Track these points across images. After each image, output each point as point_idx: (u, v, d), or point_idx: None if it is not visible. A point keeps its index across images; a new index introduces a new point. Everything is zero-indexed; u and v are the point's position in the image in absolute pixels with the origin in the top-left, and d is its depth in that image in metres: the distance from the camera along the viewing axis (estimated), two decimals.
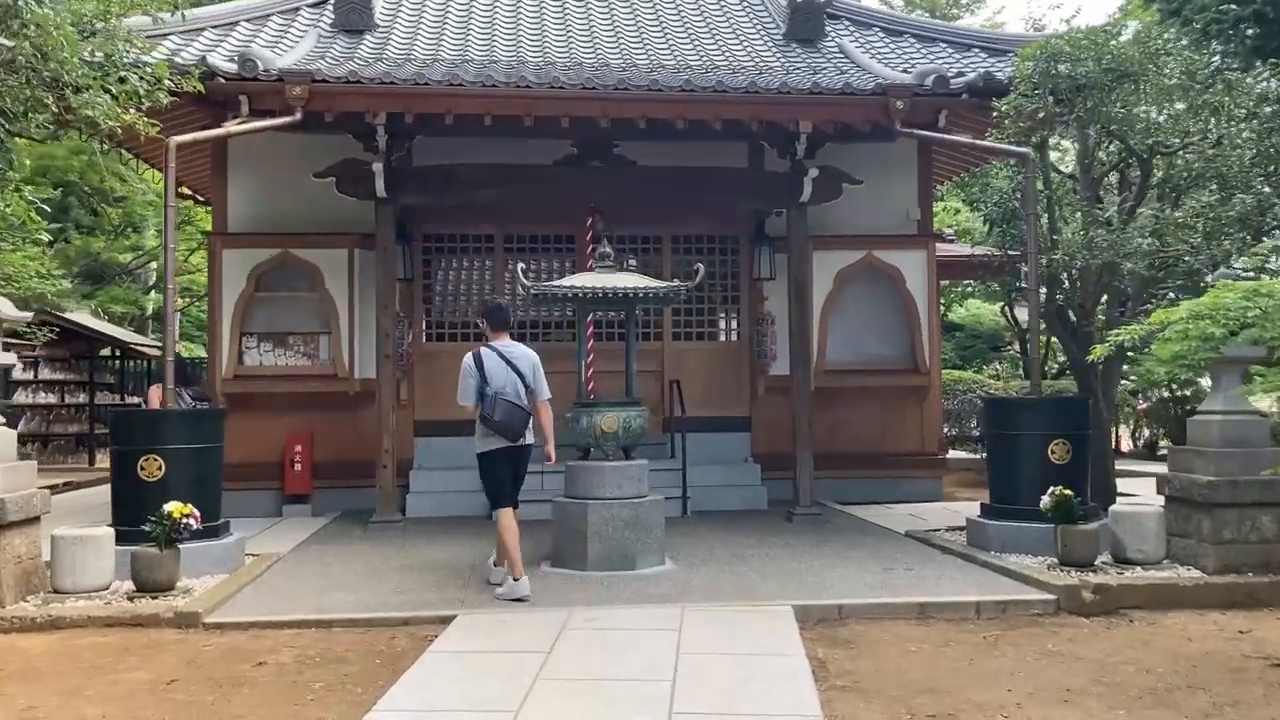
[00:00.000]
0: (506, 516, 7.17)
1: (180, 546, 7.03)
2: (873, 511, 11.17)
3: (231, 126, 8.98)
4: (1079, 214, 9.62)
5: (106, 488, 10.15)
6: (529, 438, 7.29)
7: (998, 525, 8.37)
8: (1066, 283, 10.10)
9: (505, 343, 7.39)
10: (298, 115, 9.05)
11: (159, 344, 23.89)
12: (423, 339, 12.22)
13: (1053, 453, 8.23)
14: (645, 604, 6.83)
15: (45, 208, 10.28)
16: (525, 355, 7.37)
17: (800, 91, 9.49)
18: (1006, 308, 25.03)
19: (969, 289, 26.55)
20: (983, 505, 8.77)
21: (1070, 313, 10.34)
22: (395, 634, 6.30)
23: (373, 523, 10.09)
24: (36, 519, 6.99)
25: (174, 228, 7.94)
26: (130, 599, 6.77)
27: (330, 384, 11.56)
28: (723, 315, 12.72)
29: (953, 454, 15.17)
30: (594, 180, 10.56)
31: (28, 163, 21.86)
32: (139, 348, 20.10)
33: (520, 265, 8.06)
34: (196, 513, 7.01)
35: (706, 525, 10.22)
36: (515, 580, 6.95)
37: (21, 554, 6.75)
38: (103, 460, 16.40)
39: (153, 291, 25.75)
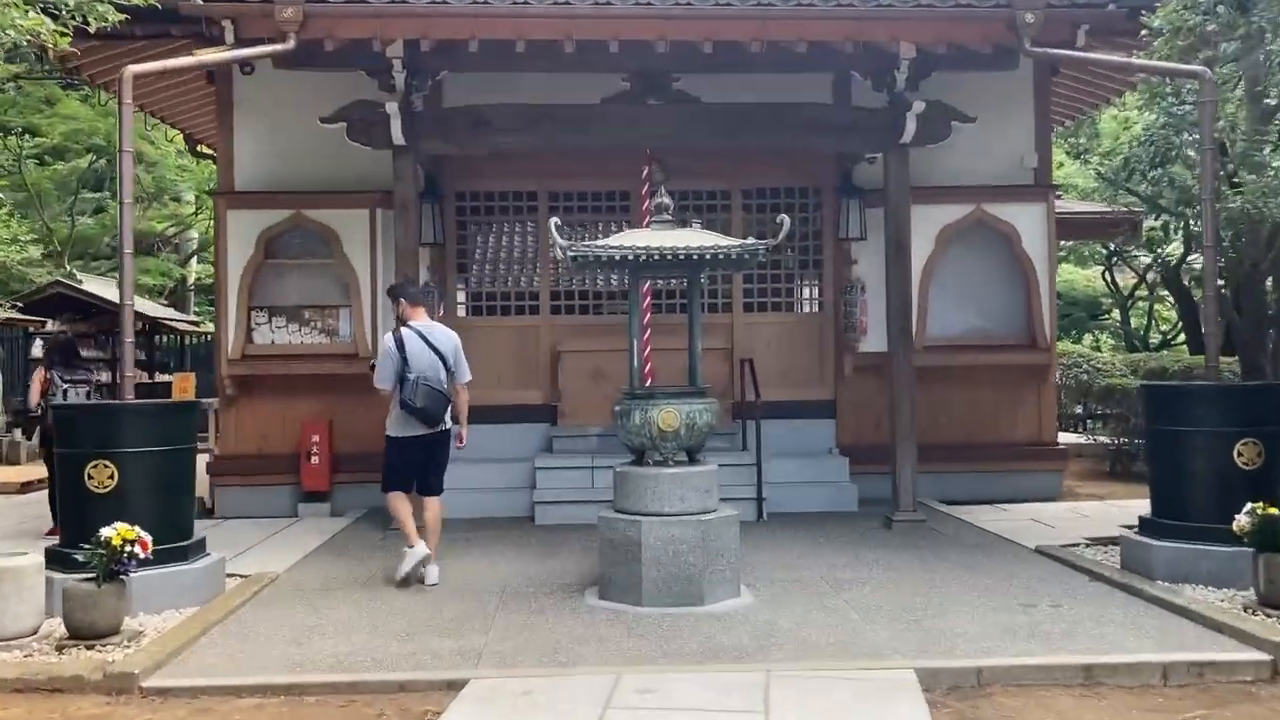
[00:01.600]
0: (399, 498, 6.96)
1: (129, 577, 5.54)
2: (984, 514, 9.40)
3: (205, 55, 7.42)
4: (1255, 154, 7.69)
5: None
6: (447, 423, 6.97)
7: (1165, 547, 6.57)
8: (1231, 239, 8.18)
9: (425, 323, 7.06)
10: (290, 43, 7.46)
11: (195, 318, 22.82)
12: (456, 312, 10.67)
13: (1240, 455, 6.41)
14: (717, 664, 5.17)
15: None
16: (447, 336, 7.10)
17: (904, 3, 7.67)
18: (1106, 272, 22.88)
19: (1062, 253, 24.34)
20: (1142, 519, 6.96)
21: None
22: (384, 708, 4.74)
23: (393, 529, 8.58)
24: None
25: (130, 178, 6.42)
26: (59, 649, 5.30)
27: (351, 364, 10.04)
28: (802, 282, 10.96)
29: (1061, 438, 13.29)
30: (650, 121, 8.85)
31: (59, 128, 20.86)
32: (170, 323, 18.88)
33: (554, 220, 6.40)
34: (145, 537, 5.51)
35: (787, 533, 8.55)
36: (409, 548, 6.82)
37: None
38: None
39: (192, 261, 24.62)
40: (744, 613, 6.08)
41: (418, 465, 6.95)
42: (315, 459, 10.01)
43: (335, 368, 10.08)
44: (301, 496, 10.10)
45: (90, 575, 5.41)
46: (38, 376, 9.77)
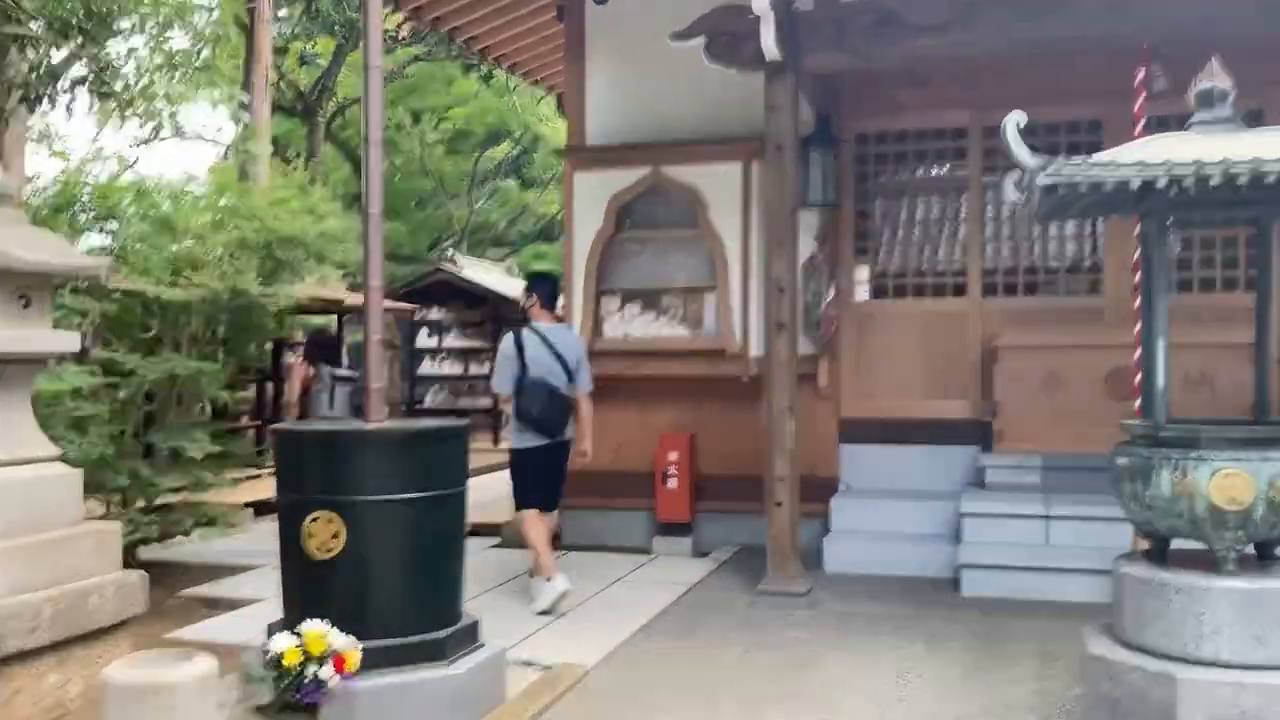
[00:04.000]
0: (530, 517, 6.32)
1: (323, 706, 3.62)
2: None
3: None
4: None
5: (499, 476, 7.59)
6: (568, 433, 6.38)
7: None
8: None
9: (550, 325, 6.52)
10: None
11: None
12: (855, 294, 8.12)
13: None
14: None
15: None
16: (571, 341, 6.56)
17: None
18: None
19: None
20: None
21: None
22: None
23: (762, 592, 6.25)
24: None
25: (378, 101, 4.54)
26: None
27: (716, 364, 7.87)
28: None
29: None
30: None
31: (460, 111, 20.74)
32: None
33: (1014, 120, 3.62)
34: (346, 647, 3.57)
35: None
36: (547, 580, 6.16)
37: None
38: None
39: None
40: None
41: (542, 479, 6.30)
42: (673, 482, 7.92)
43: (697, 368, 7.93)
44: (657, 528, 8.07)
45: (264, 703, 3.53)
46: (298, 370, 8.49)
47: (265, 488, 7.78)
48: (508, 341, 6.35)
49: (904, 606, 6.20)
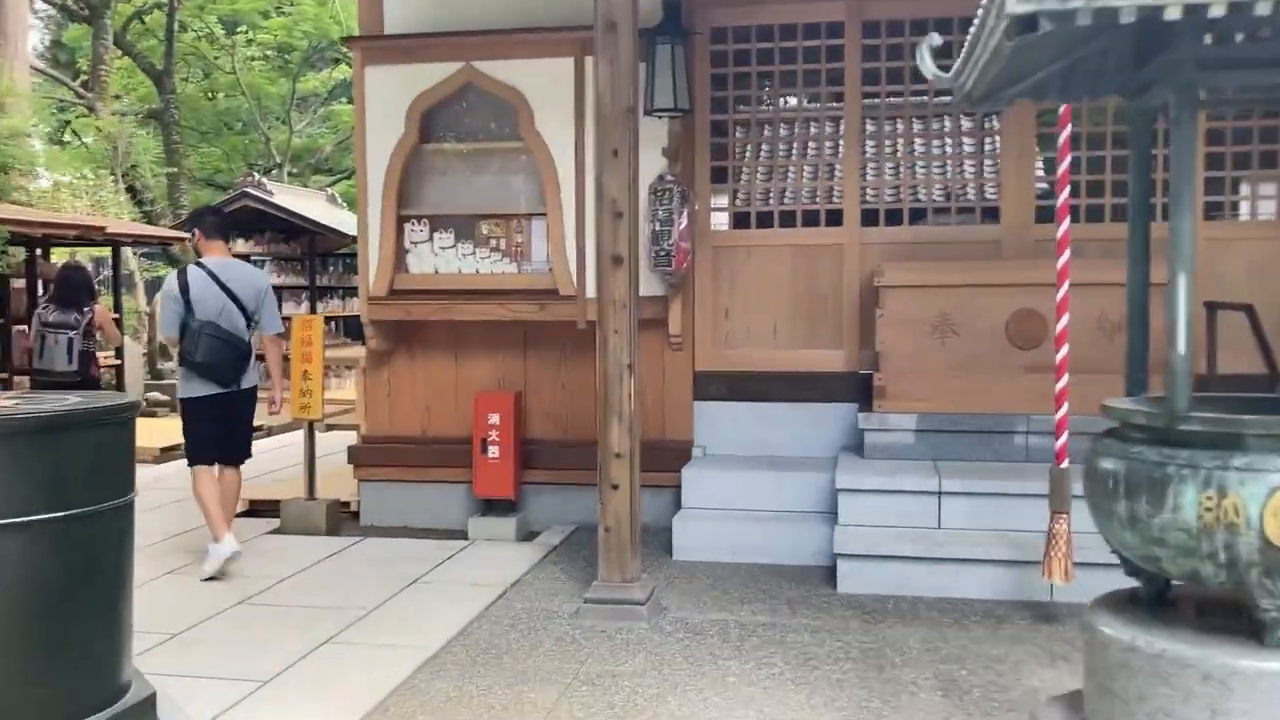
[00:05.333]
0: (202, 477, 5.67)
1: None
2: None
3: None
4: None
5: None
6: (249, 380, 5.75)
7: None
8: None
9: (221, 259, 5.81)
10: None
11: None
12: (709, 222, 6.78)
13: None
14: None
15: None
16: (247, 277, 5.85)
17: None
18: None
19: None
20: None
21: None
22: None
23: (591, 601, 4.90)
24: None
25: None
26: None
27: (547, 307, 6.44)
28: None
29: None
30: None
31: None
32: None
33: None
34: None
35: None
36: (216, 542, 5.57)
37: None
38: (336, 390, 12.39)
39: None
40: None
41: (216, 432, 5.71)
42: (494, 451, 6.48)
43: (524, 311, 6.48)
44: (477, 505, 6.65)
45: None
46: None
47: None
48: (170, 280, 5.76)
49: (770, 612, 4.96)
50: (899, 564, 5.25)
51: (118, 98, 16.44)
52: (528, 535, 6.48)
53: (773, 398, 6.56)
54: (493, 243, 6.64)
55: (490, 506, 6.58)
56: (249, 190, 13.22)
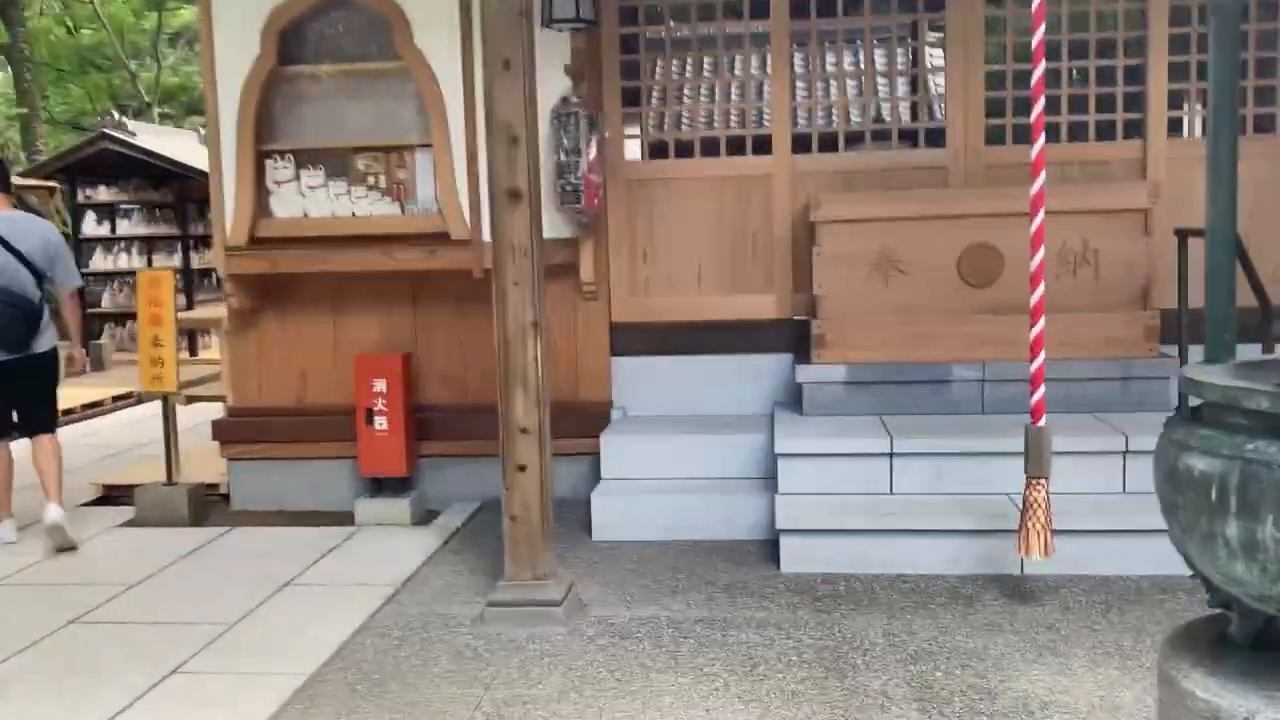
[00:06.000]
0: None
1: None
2: None
3: None
4: None
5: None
6: (41, 344, 5.36)
7: None
8: None
9: (6, 214, 5.37)
10: None
11: None
12: (621, 151, 5.96)
13: None
14: None
15: None
16: (35, 231, 5.41)
17: None
18: None
19: None
20: None
21: None
22: None
23: (496, 604, 4.13)
24: None
25: None
26: None
27: (437, 253, 5.57)
28: None
29: None
30: None
31: None
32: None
33: None
34: None
35: None
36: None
37: None
38: (207, 350, 11.35)
39: None
40: None
41: (5, 402, 5.36)
42: (381, 422, 5.64)
43: (410, 259, 5.61)
44: (364, 485, 5.81)
45: None
46: None
47: None
48: None
49: (706, 604, 4.26)
50: (849, 538, 4.59)
51: None
52: (424, 517, 5.67)
53: (699, 350, 5.85)
54: (370, 180, 5.73)
55: (380, 486, 5.75)
56: (108, 131, 11.91)
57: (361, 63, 5.64)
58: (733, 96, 6.62)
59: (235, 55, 5.53)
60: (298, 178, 5.71)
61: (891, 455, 4.82)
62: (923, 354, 5.27)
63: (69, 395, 9.42)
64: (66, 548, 5.22)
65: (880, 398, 5.28)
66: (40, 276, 5.33)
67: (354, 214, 5.68)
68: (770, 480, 5.06)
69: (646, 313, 5.89)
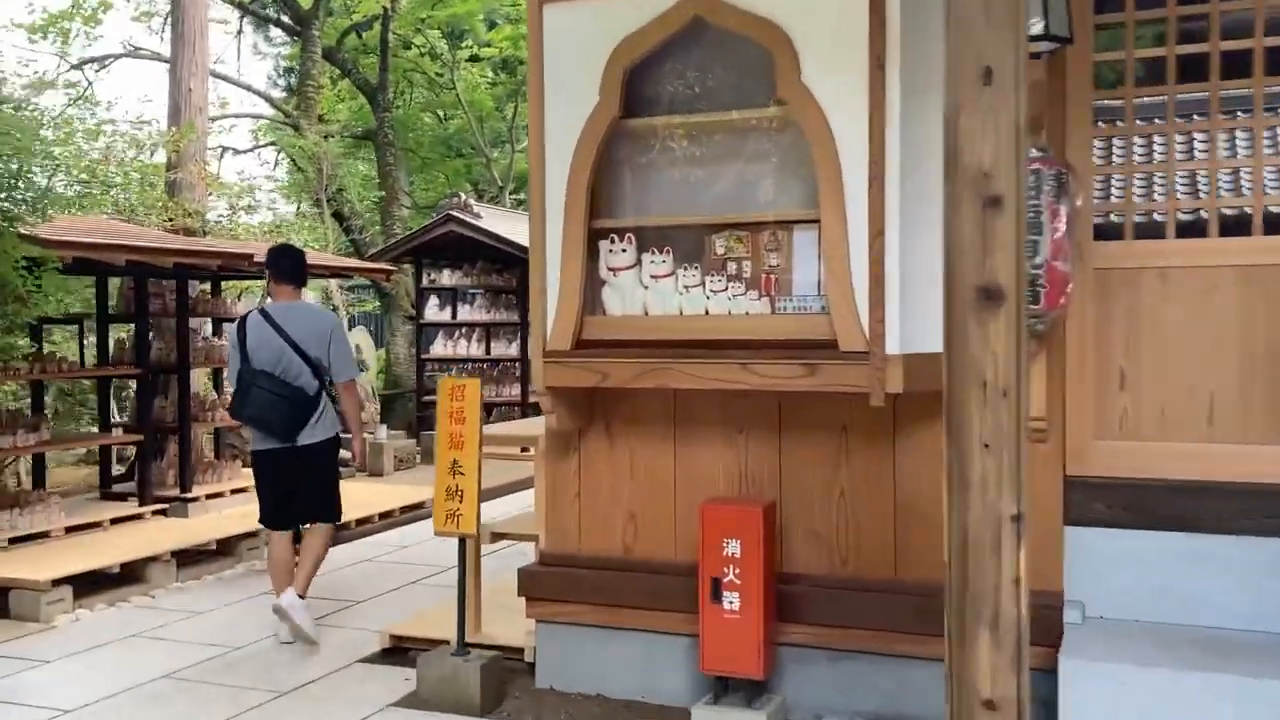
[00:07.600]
0: (275, 544, 5.43)
1: None
2: None
3: None
4: None
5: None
6: (314, 435, 5.31)
7: None
8: None
9: (287, 304, 5.43)
10: None
11: None
12: (1089, 226, 4.12)
13: None
14: None
15: None
16: (309, 320, 5.42)
17: None
18: None
19: None
20: None
21: None
22: None
23: None
24: None
25: None
26: None
27: (816, 368, 3.93)
28: None
29: None
30: None
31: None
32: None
33: None
34: None
35: None
36: (276, 598, 5.33)
37: None
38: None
39: None
40: None
41: (277, 490, 5.32)
42: (732, 599, 4.05)
43: (779, 375, 4.01)
44: (702, 681, 4.23)
45: None
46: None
47: None
48: (233, 329, 5.47)
49: None
50: None
51: (322, 118, 15.25)
52: None
53: (1204, 526, 3.84)
54: (731, 267, 4.25)
55: (726, 686, 4.16)
56: (453, 214, 11.47)
57: (727, 111, 4.20)
58: (1265, 150, 4.57)
59: (569, 105, 4.27)
60: (638, 263, 4.33)
61: None
62: None
63: (374, 500, 8.70)
64: (303, 639, 5.22)
65: None
66: (315, 366, 5.31)
67: (706, 311, 4.21)
68: None
69: (1122, 464, 3.97)
